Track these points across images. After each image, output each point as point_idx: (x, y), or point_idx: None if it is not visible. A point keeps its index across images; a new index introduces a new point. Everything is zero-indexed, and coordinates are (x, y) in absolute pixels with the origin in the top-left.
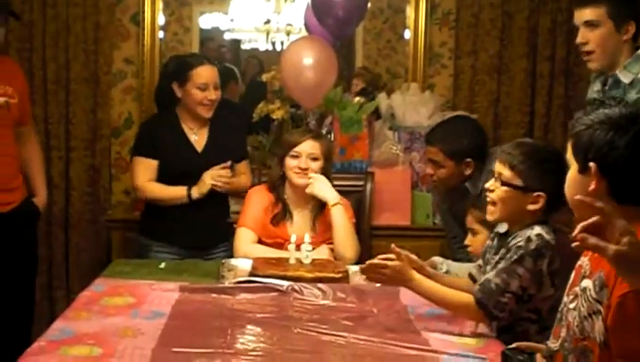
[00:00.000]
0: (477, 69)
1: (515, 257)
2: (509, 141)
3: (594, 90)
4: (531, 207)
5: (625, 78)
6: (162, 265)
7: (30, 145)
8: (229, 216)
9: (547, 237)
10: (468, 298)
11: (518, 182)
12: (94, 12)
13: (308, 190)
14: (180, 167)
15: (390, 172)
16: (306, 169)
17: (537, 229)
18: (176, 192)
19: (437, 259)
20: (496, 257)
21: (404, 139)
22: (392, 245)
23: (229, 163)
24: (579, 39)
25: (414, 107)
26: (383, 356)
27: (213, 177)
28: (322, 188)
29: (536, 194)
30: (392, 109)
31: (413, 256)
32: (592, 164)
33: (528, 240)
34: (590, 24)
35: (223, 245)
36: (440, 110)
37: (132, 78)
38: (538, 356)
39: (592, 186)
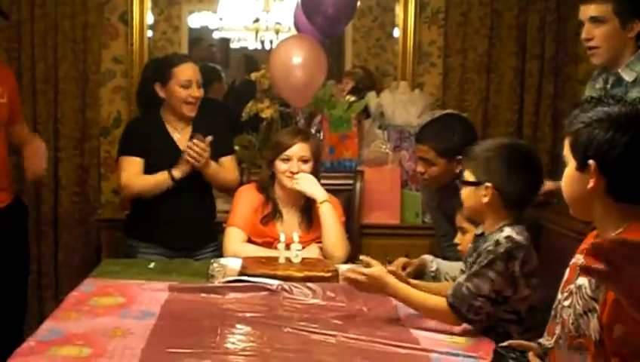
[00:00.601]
0: (466, 67)
1: (486, 261)
2: None
3: (596, 87)
4: (485, 199)
5: (628, 76)
6: (151, 265)
7: (27, 137)
8: (215, 217)
9: (518, 238)
10: (442, 301)
11: (471, 178)
12: (83, 11)
13: (297, 187)
14: (164, 165)
15: (380, 171)
16: (298, 172)
17: (507, 231)
18: (159, 178)
19: (427, 257)
20: (470, 260)
21: (393, 138)
22: (361, 256)
23: (208, 138)
24: (584, 35)
25: (404, 106)
26: (373, 354)
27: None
28: (310, 185)
29: (484, 185)
30: (382, 108)
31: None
32: (591, 162)
33: (497, 243)
34: (595, 20)
35: (211, 245)
36: (429, 109)
37: (121, 78)
38: (530, 354)
39: (591, 184)
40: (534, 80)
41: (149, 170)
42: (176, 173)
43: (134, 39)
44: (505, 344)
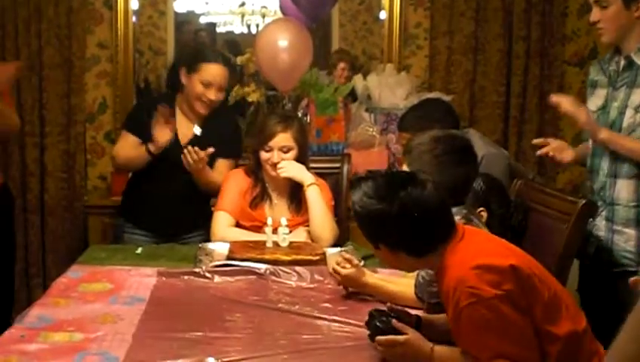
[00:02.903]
0: (453, 49)
1: None
2: (485, 121)
3: (609, 69)
4: None
5: (639, 59)
6: (139, 251)
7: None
8: (208, 202)
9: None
10: (412, 292)
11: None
12: None
13: (283, 175)
14: (161, 152)
15: (367, 153)
16: (279, 163)
17: None
18: (139, 150)
19: None
20: None
21: (380, 121)
22: (343, 251)
23: (209, 150)
24: (591, 17)
25: (390, 88)
26: (363, 336)
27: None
28: (296, 170)
29: None
30: (368, 91)
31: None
32: None
33: None
34: (600, 4)
35: (199, 231)
36: (416, 91)
37: (106, 63)
38: (394, 321)
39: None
40: (521, 61)
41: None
42: (152, 147)
43: (119, 24)
44: (383, 308)
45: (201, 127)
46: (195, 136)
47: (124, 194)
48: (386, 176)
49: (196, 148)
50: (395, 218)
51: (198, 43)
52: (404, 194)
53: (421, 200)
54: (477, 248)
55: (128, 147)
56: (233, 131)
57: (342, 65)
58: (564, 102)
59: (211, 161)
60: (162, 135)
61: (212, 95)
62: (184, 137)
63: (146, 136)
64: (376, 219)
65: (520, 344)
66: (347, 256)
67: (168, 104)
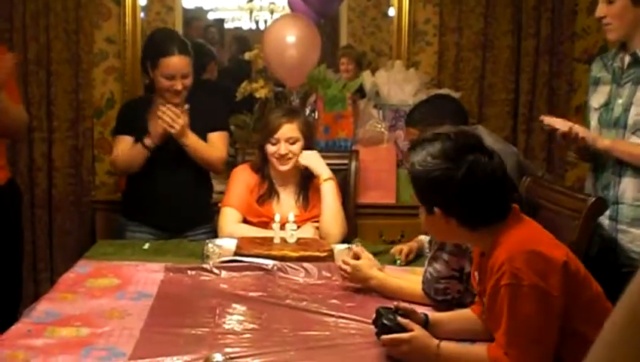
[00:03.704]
0: (462, 46)
1: (438, 243)
2: (494, 118)
3: (614, 65)
4: None
5: None
6: (146, 246)
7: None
8: (211, 198)
9: None
10: (420, 288)
11: None
12: None
13: (302, 162)
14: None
15: (375, 150)
16: (286, 154)
17: None
18: (135, 148)
19: (423, 237)
20: (432, 242)
21: (388, 117)
22: (354, 246)
23: (185, 106)
24: (597, 13)
25: (399, 85)
26: (370, 333)
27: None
28: (316, 161)
29: None
30: (377, 87)
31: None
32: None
33: None
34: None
35: (204, 227)
36: (425, 87)
37: (114, 58)
38: (400, 318)
39: None
40: (530, 58)
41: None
42: (147, 140)
43: (127, 20)
44: (391, 306)
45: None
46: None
47: (124, 194)
48: (455, 139)
49: (168, 105)
50: (459, 181)
51: (153, 34)
52: (472, 159)
53: (488, 168)
54: (534, 235)
55: (125, 148)
56: (216, 104)
57: (344, 60)
58: (557, 122)
59: (203, 138)
60: (157, 126)
61: (178, 85)
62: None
63: (139, 133)
64: (438, 181)
65: (537, 342)
66: (357, 249)
67: (148, 104)
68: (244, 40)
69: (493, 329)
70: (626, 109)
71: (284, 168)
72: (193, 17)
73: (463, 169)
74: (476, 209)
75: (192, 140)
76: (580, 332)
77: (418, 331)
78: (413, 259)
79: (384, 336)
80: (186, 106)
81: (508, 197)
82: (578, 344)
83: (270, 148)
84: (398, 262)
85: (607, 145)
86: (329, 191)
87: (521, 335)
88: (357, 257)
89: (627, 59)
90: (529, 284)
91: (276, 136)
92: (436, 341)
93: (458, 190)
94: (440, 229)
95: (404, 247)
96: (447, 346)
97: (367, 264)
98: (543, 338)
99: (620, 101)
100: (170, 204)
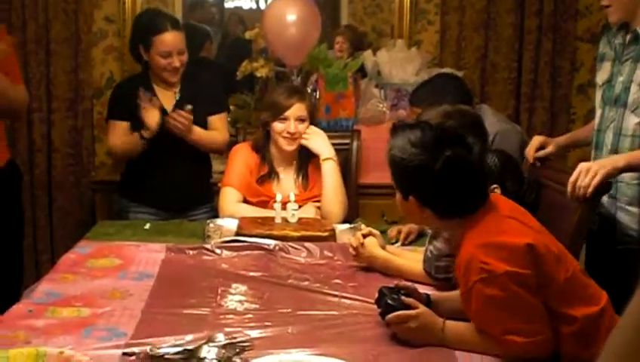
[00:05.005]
0: (464, 24)
1: None
2: (496, 97)
3: (615, 42)
4: None
5: None
6: (147, 226)
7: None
8: (211, 177)
9: None
10: (420, 268)
11: None
12: None
13: (304, 143)
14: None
15: (377, 130)
16: (295, 133)
17: None
18: (133, 138)
19: None
20: None
21: (390, 97)
22: (362, 226)
23: (188, 107)
24: None
25: (401, 64)
26: (373, 312)
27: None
28: (318, 141)
29: None
30: (378, 66)
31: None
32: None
33: None
34: None
35: (204, 207)
36: (427, 67)
37: (113, 37)
38: (404, 297)
39: None
40: (533, 37)
41: (136, 130)
42: (146, 133)
43: None
44: (392, 285)
45: (180, 91)
46: (178, 101)
47: (123, 175)
48: (436, 130)
49: (177, 110)
50: (435, 173)
51: (140, 16)
52: (450, 153)
53: (466, 163)
54: (497, 225)
55: (122, 135)
56: (214, 85)
57: (339, 39)
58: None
59: (203, 122)
60: (151, 118)
61: (175, 62)
62: (168, 105)
63: (134, 119)
64: (415, 170)
65: (531, 320)
66: (367, 229)
67: (144, 84)
68: (245, 19)
69: (481, 326)
70: (627, 87)
71: (290, 148)
72: None
73: (440, 162)
74: (450, 202)
75: (197, 135)
76: (558, 312)
77: (423, 309)
78: (415, 238)
79: (389, 316)
80: (189, 107)
81: (484, 190)
82: (557, 323)
83: (278, 126)
84: (397, 245)
85: (625, 162)
86: (329, 170)
87: (518, 319)
88: (365, 236)
89: (628, 36)
90: (500, 273)
91: (286, 113)
92: (441, 319)
93: (433, 183)
94: (414, 215)
95: (404, 228)
96: (453, 324)
97: (374, 242)
98: (537, 313)
99: (620, 79)
100: (171, 182)
